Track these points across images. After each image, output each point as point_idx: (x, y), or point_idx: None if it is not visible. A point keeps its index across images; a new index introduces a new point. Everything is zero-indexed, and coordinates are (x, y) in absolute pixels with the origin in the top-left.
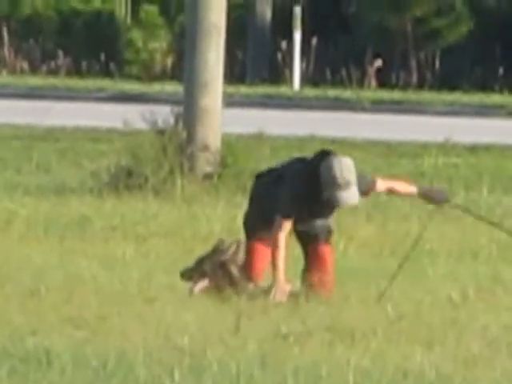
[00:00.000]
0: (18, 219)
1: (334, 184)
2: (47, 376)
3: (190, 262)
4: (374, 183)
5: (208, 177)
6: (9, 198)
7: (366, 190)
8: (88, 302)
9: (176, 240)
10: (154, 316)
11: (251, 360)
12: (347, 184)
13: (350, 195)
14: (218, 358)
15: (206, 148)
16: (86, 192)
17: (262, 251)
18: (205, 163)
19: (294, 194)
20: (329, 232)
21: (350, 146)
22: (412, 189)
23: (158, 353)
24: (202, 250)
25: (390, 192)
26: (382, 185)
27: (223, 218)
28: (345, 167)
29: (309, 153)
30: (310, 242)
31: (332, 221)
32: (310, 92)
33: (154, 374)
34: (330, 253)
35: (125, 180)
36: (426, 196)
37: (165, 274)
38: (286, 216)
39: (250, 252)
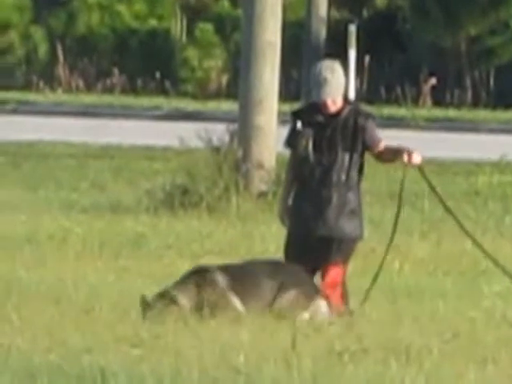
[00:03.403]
0: (73, 237)
1: (314, 82)
2: None
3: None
4: (380, 140)
5: (263, 195)
6: (65, 217)
7: (372, 141)
8: (143, 320)
9: (231, 258)
10: (209, 334)
11: (306, 378)
12: (324, 80)
13: (327, 90)
14: (272, 376)
15: (260, 166)
16: (141, 210)
17: None
18: (260, 181)
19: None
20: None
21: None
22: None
23: (213, 371)
24: None
25: (379, 155)
26: (382, 145)
27: (278, 236)
28: (324, 66)
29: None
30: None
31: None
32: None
33: None
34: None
35: (180, 198)
36: (391, 151)
37: None
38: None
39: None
